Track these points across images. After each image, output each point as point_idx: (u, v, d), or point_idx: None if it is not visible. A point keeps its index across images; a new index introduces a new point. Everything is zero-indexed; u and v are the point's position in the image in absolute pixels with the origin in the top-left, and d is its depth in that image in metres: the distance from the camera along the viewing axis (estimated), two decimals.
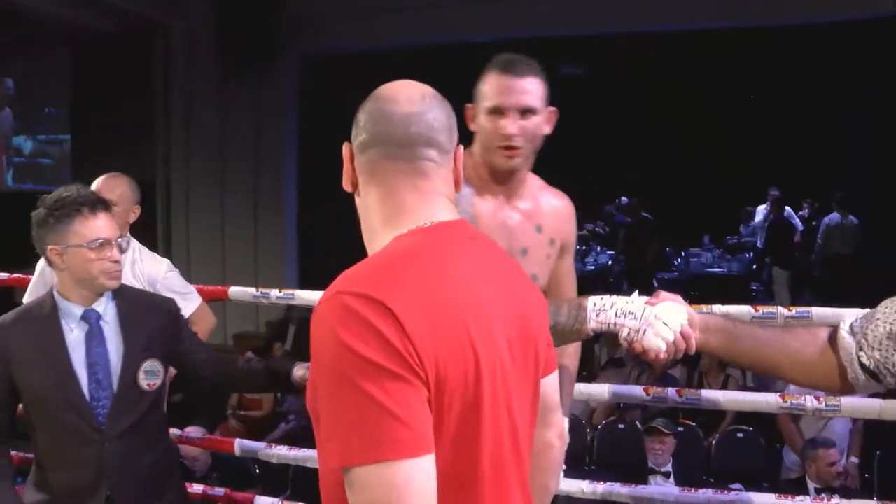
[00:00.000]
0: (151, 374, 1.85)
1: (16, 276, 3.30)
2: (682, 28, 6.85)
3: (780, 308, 2.19)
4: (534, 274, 1.75)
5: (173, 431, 2.85)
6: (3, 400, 1.82)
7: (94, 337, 1.83)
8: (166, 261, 2.78)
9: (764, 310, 2.19)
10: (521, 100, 1.68)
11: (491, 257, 1.11)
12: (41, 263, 2.75)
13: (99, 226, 1.79)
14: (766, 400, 2.27)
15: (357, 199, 1.13)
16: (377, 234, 1.08)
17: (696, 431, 4.47)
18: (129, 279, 2.63)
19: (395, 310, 0.92)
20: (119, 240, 1.83)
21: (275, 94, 7.25)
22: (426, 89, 1.11)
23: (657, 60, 8.33)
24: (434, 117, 1.08)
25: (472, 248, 1.08)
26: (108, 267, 1.79)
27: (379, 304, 0.93)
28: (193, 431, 4.07)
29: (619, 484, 2.37)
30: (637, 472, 3.65)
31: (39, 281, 2.76)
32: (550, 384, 1.22)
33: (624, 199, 9.39)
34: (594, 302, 1.50)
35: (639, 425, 4.37)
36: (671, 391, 2.24)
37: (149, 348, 1.85)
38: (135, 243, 2.71)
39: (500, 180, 1.76)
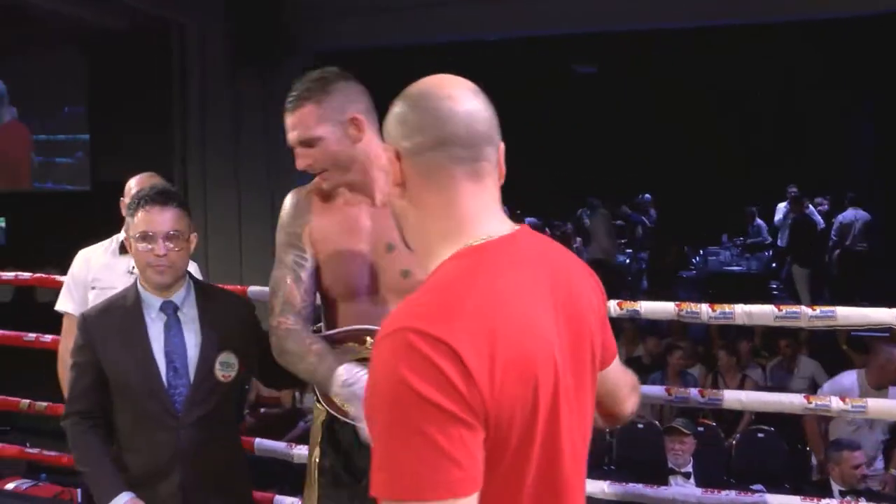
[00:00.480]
0: (226, 366, 1.91)
1: (38, 275, 3.33)
2: (687, 25, 6.79)
3: (803, 308, 2.17)
4: (405, 269, 1.71)
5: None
6: (96, 384, 1.91)
7: (172, 327, 1.91)
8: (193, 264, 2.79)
9: (787, 309, 2.17)
10: (294, 136, 1.71)
11: (543, 264, 1.06)
12: (73, 267, 2.78)
13: (145, 219, 1.86)
14: (790, 401, 2.24)
15: (401, 203, 1.07)
16: (434, 249, 1.05)
17: (716, 431, 4.45)
18: None
19: (461, 351, 0.90)
20: (171, 232, 1.86)
21: (286, 90, 7.22)
22: (470, 83, 1.07)
23: (666, 58, 8.29)
24: (491, 114, 1.05)
25: (524, 262, 1.04)
26: (151, 259, 1.86)
27: (445, 344, 0.90)
28: None
29: (641, 485, 2.36)
30: (657, 473, 3.63)
31: (71, 282, 2.79)
32: (613, 371, 1.22)
33: (647, 195, 9.31)
34: (347, 371, 1.60)
35: (658, 425, 4.35)
36: (693, 391, 2.22)
37: (225, 341, 1.92)
38: None
39: (357, 193, 1.79)
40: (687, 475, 3.64)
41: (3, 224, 9.54)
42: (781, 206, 9.16)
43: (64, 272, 2.92)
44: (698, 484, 3.55)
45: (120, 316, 1.91)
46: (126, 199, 2.62)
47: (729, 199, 9.79)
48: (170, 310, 1.92)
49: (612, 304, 2.21)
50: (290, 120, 1.71)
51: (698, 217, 9.59)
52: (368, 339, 1.71)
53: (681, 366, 5.63)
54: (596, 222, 8.74)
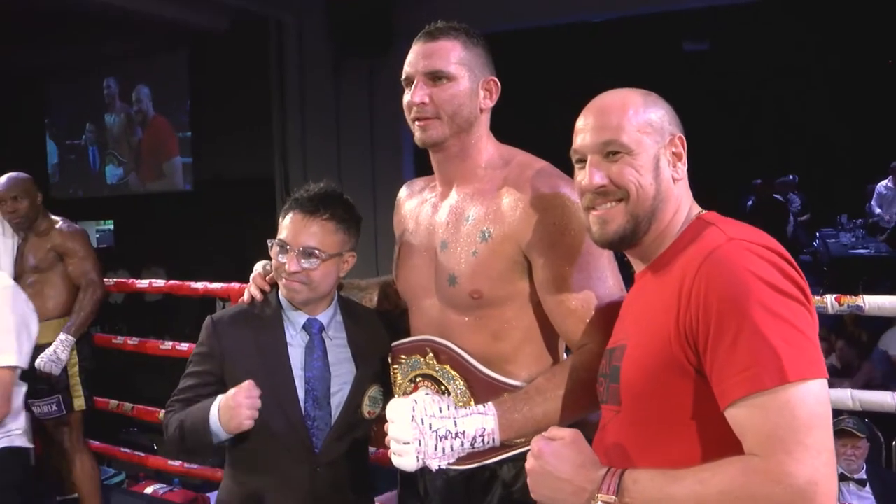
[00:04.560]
0: (375, 402, 1.69)
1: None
2: None
3: None
4: (451, 274, 1.47)
5: None
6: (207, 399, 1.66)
7: (315, 350, 1.67)
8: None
9: None
10: (426, 64, 1.48)
11: None
12: None
13: (286, 226, 1.64)
14: None
15: (674, 189, 1.21)
16: (680, 216, 1.21)
17: (873, 431, 4.08)
18: None
19: (787, 256, 1.06)
20: (309, 248, 1.61)
21: (389, 83, 7.09)
22: None
23: (781, 31, 7.78)
24: None
25: None
26: (281, 271, 1.63)
27: (773, 250, 1.06)
28: None
29: None
30: None
31: None
32: None
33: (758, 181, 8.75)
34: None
35: None
36: None
37: (377, 374, 1.67)
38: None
39: (438, 167, 1.55)
40: (861, 482, 3.30)
41: (111, 226, 9.81)
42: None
43: (169, 273, 2.86)
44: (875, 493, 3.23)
45: (257, 327, 1.67)
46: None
47: (844, 177, 9.18)
48: (314, 330, 1.67)
49: (830, 299, 1.94)
50: (425, 47, 1.49)
51: (825, 196, 9.06)
52: (430, 351, 1.50)
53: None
54: None
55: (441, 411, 1.34)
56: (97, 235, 10.31)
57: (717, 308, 1.01)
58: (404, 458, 1.32)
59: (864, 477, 3.33)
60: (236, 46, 7.30)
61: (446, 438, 1.31)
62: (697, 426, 1.07)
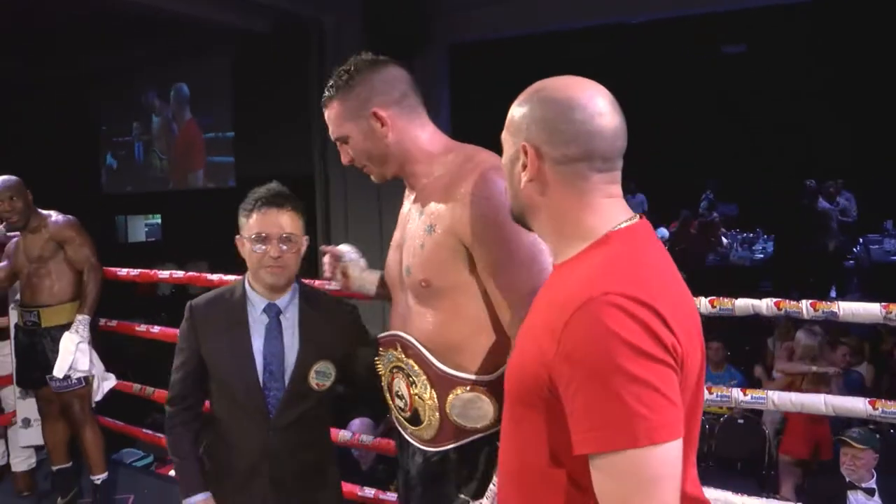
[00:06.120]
0: (322, 375, 1.91)
1: (190, 274, 3.44)
2: None
3: None
4: (407, 266, 1.62)
5: (342, 433, 2.89)
6: (196, 371, 1.94)
7: (272, 330, 1.92)
8: None
9: None
10: (331, 132, 1.67)
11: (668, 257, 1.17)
12: None
13: (261, 221, 1.85)
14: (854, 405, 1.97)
15: (537, 199, 1.15)
16: (570, 239, 1.14)
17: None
18: None
19: (661, 310, 1.01)
20: (286, 234, 1.86)
21: (424, 83, 7.15)
22: (608, 93, 1.13)
23: (833, 30, 7.61)
24: (625, 127, 1.13)
25: (658, 243, 1.15)
26: (265, 260, 1.86)
27: (647, 305, 1.01)
28: (359, 424, 4.14)
29: None
30: (833, 488, 3.30)
31: None
32: None
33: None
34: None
35: None
36: (736, 390, 2.00)
37: (323, 350, 1.91)
38: None
39: (407, 185, 1.72)
40: (870, 492, 3.27)
41: (159, 220, 10.17)
42: None
43: (212, 265, 3.00)
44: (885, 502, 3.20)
45: (225, 309, 1.94)
46: None
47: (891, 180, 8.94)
48: (272, 313, 1.93)
49: (805, 304, 1.96)
50: (325, 115, 1.68)
51: (869, 201, 8.82)
52: (399, 346, 1.65)
53: (846, 363, 5.19)
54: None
55: None
56: (146, 229, 10.68)
57: (579, 364, 1.02)
58: None
59: (874, 486, 3.29)
60: (277, 48, 7.50)
61: None
62: (554, 439, 1.10)
